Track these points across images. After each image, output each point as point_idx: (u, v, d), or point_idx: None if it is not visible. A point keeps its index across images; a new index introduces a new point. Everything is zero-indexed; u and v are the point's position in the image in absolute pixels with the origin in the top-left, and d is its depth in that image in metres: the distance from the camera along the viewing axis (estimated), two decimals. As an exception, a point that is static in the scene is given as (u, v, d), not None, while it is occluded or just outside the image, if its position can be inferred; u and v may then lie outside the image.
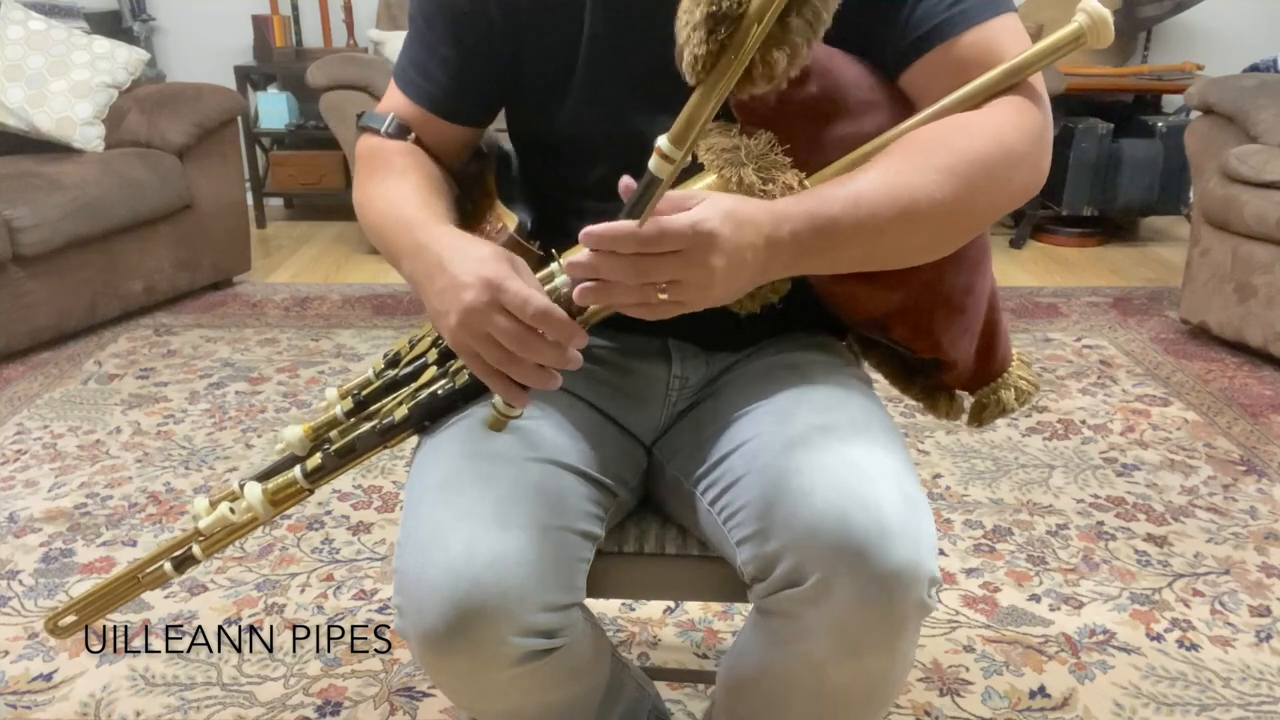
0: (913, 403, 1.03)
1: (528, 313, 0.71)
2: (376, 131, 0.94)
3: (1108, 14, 0.76)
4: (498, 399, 0.78)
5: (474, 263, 0.74)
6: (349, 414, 0.92)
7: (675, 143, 0.67)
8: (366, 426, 0.87)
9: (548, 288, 0.76)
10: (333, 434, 0.92)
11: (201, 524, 0.91)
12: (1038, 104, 0.80)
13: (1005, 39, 0.81)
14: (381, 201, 0.88)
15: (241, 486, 0.90)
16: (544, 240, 0.88)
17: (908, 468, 0.80)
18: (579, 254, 0.71)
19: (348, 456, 0.87)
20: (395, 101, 0.96)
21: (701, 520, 0.89)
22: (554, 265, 0.78)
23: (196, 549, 0.93)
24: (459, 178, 0.98)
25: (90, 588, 0.98)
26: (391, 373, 0.91)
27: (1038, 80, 0.81)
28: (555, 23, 0.88)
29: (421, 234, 0.80)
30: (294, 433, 0.94)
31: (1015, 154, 0.79)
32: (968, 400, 1.02)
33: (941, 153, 0.77)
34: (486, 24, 0.90)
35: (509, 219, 0.90)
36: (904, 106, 0.83)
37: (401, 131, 0.94)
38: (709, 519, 0.86)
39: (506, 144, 1.03)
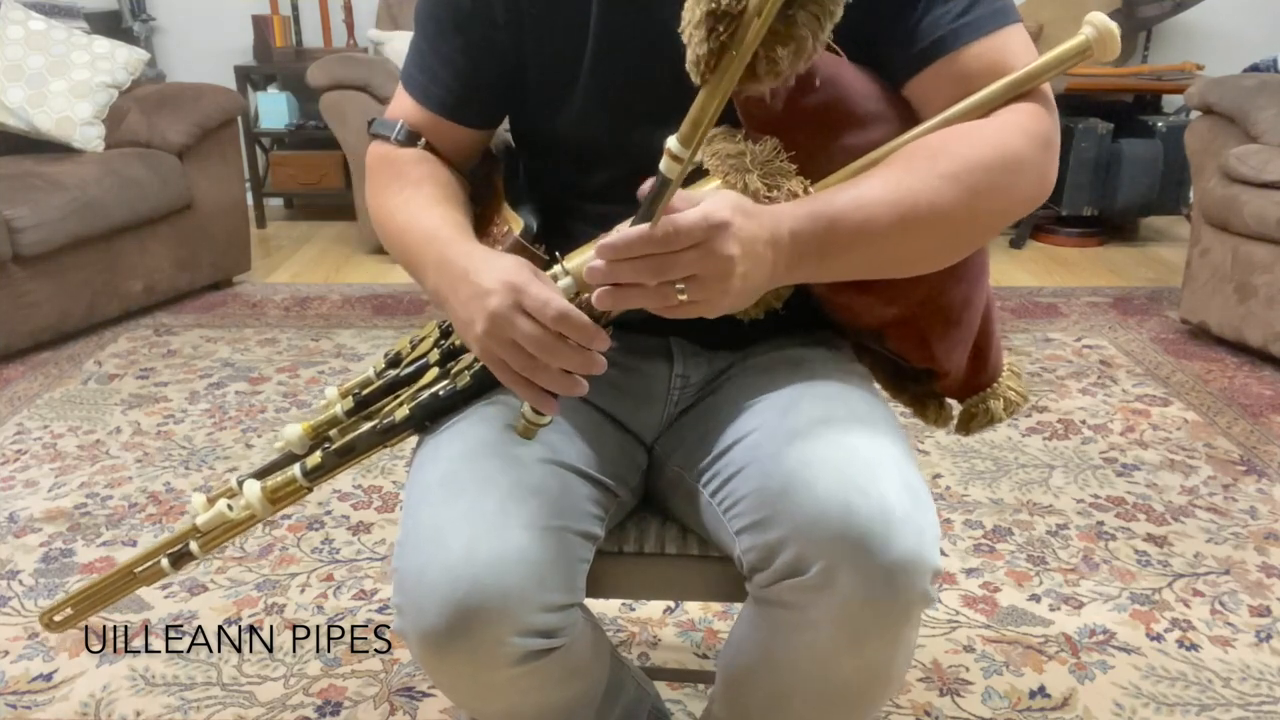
0: (908, 403, 1.03)
1: (548, 314, 0.71)
2: (387, 139, 0.94)
3: (1115, 27, 0.75)
4: (526, 407, 0.78)
5: (497, 270, 0.74)
6: (349, 413, 0.92)
7: (683, 143, 0.67)
8: (367, 426, 0.87)
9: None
10: (333, 433, 0.92)
11: (199, 520, 0.91)
12: (1048, 111, 0.80)
13: (1012, 51, 0.80)
14: (402, 215, 0.88)
15: (240, 484, 0.90)
16: (547, 242, 0.88)
17: (910, 459, 0.80)
18: (587, 256, 0.71)
19: (347, 455, 0.87)
20: (403, 106, 0.96)
21: (702, 512, 0.88)
22: (557, 268, 0.78)
23: (194, 545, 0.92)
24: (469, 179, 0.98)
25: (86, 583, 0.98)
26: (393, 372, 0.91)
27: (1048, 88, 0.81)
28: (560, 26, 0.88)
29: (446, 249, 0.81)
30: (293, 431, 0.94)
31: (1019, 161, 0.78)
32: (957, 407, 1.02)
33: (945, 160, 0.77)
34: (491, 26, 0.90)
35: (514, 222, 0.90)
36: (910, 120, 0.82)
37: (411, 138, 0.94)
38: (709, 510, 0.86)
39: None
